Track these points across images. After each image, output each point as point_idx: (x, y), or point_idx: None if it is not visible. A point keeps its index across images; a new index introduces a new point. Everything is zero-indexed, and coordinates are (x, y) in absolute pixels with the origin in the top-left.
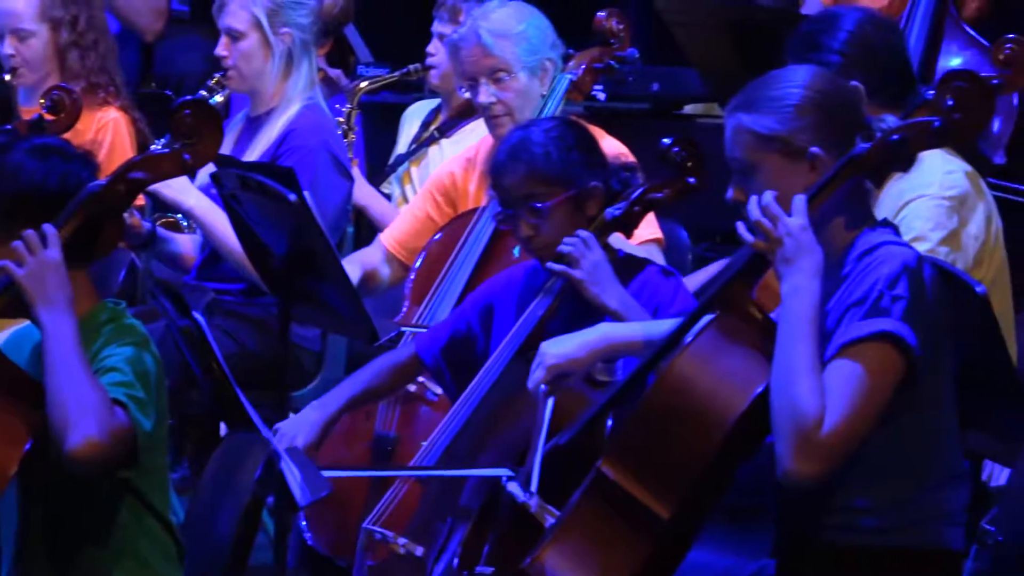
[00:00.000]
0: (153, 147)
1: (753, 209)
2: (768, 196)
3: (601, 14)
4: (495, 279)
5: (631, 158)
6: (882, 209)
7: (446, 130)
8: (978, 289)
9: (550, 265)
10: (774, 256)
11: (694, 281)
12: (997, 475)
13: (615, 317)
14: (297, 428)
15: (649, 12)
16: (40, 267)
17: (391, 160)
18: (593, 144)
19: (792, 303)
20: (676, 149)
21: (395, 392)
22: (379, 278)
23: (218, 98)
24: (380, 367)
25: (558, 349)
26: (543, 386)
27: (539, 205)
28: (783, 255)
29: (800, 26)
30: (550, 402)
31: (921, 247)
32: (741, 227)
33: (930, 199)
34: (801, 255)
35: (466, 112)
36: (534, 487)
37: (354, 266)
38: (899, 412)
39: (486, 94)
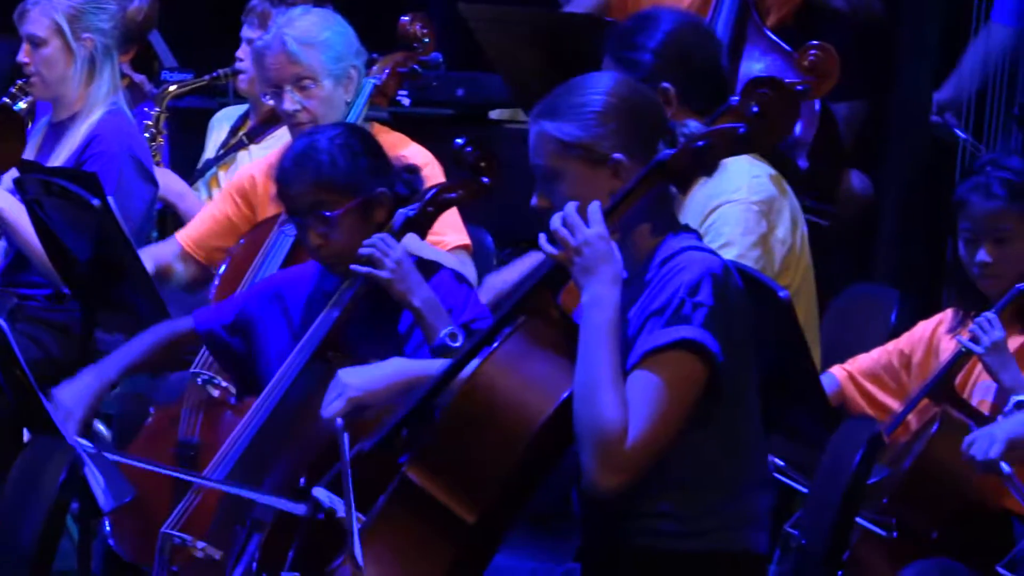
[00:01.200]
0: None
1: (555, 220)
2: (570, 207)
3: (405, 19)
4: (288, 271)
5: (437, 166)
6: (688, 214)
7: (255, 136)
8: (781, 294)
9: (354, 266)
10: (572, 266)
11: (501, 278)
12: None
13: (417, 315)
14: (75, 395)
15: (454, 18)
16: None
17: (199, 165)
18: (379, 150)
19: (592, 314)
20: (469, 149)
21: (172, 362)
22: (172, 273)
23: (22, 104)
24: (157, 336)
25: (359, 381)
26: (339, 419)
27: (328, 213)
28: (582, 265)
29: (619, 23)
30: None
31: (731, 252)
32: (542, 239)
33: (738, 204)
34: (599, 264)
35: (275, 118)
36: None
37: (147, 259)
38: (703, 418)
39: (291, 101)
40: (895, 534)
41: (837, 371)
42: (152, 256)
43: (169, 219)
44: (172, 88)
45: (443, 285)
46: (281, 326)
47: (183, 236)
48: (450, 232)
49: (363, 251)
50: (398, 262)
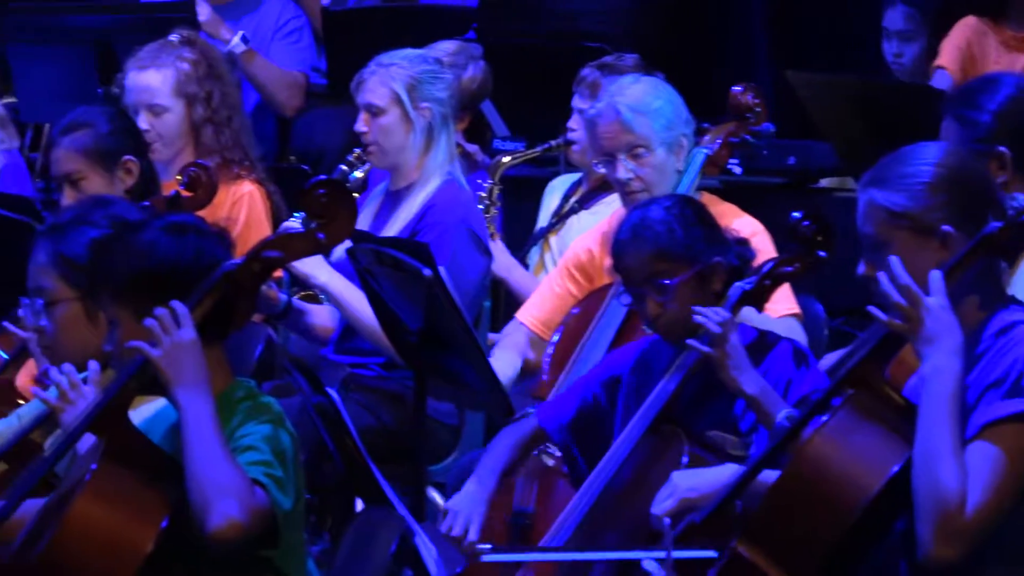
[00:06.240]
0: (288, 225)
1: (887, 288)
2: (905, 277)
3: (737, 88)
4: (620, 352)
5: (766, 235)
6: (1018, 287)
7: (585, 201)
8: None
9: (691, 341)
10: (915, 336)
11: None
12: None
13: (750, 402)
14: (470, 506)
15: (782, 86)
16: (175, 348)
17: (534, 232)
18: (712, 220)
19: (934, 383)
20: (806, 223)
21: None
22: (529, 363)
23: (358, 173)
24: (513, 439)
25: (692, 483)
26: (667, 519)
27: (667, 282)
28: (925, 335)
29: (965, 84)
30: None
31: None
32: (875, 310)
33: None
34: (943, 334)
35: (606, 185)
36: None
37: (512, 355)
38: None
39: (624, 170)
40: None
41: None
42: (517, 352)
43: (501, 290)
44: (505, 159)
45: (781, 357)
46: (624, 407)
47: (527, 318)
48: (780, 300)
49: (701, 320)
50: (735, 346)
